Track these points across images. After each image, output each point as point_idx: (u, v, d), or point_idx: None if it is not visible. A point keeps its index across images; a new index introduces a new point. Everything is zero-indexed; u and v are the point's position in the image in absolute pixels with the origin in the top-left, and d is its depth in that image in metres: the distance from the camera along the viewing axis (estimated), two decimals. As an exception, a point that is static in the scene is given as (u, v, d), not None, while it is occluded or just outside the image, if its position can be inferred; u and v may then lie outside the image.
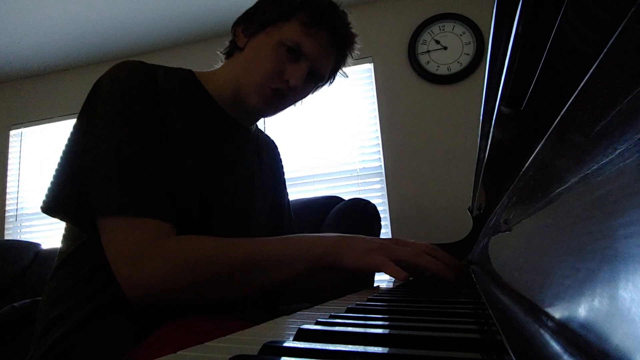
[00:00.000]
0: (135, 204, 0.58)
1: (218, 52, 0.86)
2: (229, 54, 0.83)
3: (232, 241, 0.61)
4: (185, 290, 0.58)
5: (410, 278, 0.61)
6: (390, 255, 0.59)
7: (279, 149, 1.02)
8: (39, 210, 0.62)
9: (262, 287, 0.61)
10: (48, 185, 0.63)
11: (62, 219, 0.64)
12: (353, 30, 0.82)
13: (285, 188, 1.00)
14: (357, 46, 0.84)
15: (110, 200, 0.58)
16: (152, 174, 0.61)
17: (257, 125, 0.91)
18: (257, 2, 0.81)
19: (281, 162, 1.01)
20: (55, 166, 0.64)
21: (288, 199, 1.01)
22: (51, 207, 0.61)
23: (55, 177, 0.63)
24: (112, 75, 0.66)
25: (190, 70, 0.79)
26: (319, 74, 0.80)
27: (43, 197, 0.62)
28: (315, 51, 0.76)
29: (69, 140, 0.64)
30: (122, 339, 0.58)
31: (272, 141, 1.00)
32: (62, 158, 0.64)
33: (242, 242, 0.61)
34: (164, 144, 0.65)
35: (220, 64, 0.85)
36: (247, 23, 0.79)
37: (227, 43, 0.84)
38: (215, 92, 0.79)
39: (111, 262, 0.58)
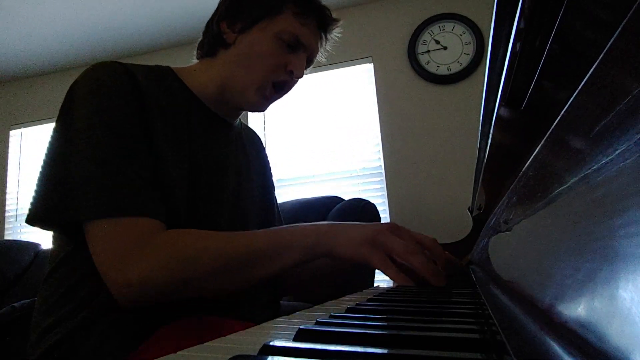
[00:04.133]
0: (120, 204, 0.57)
1: (196, 52, 0.83)
2: (211, 51, 0.80)
3: (225, 234, 0.61)
4: (180, 285, 0.57)
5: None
6: (383, 247, 0.57)
7: (262, 141, 1.01)
8: None
9: (257, 279, 0.60)
10: (32, 195, 0.61)
11: (48, 229, 0.62)
12: (333, 14, 0.83)
13: (272, 180, 0.99)
14: (338, 28, 0.85)
15: (95, 204, 0.56)
16: (135, 173, 0.60)
17: (240, 120, 0.90)
18: None
19: (266, 154, 1.00)
20: (38, 175, 0.61)
21: (274, 188, 1.00)
22: (36, 218, 0.59)
23: (38, 186, 0.61)
24: (90, 76, 0.64)
25: (168, 67, 0.78)
26: (312, 59, 0.82)
27: (28, 207, 0.60)
28: (310, 39, 0.78)
29: (49, 146, 0.62)
30: (121, 342, 0.58)
31: (255, 134, 0.99)
32: (43, 166, 0.61)
33: (234, 235, 0.61)
34: (147, 143, 0.64)
35: (195, 60, 0.83)
36: (233, 19, 0.78)
37: (204, 39, 0.81)
38: (198, 89, 0.77)
39: (100, 267, 0.57)
